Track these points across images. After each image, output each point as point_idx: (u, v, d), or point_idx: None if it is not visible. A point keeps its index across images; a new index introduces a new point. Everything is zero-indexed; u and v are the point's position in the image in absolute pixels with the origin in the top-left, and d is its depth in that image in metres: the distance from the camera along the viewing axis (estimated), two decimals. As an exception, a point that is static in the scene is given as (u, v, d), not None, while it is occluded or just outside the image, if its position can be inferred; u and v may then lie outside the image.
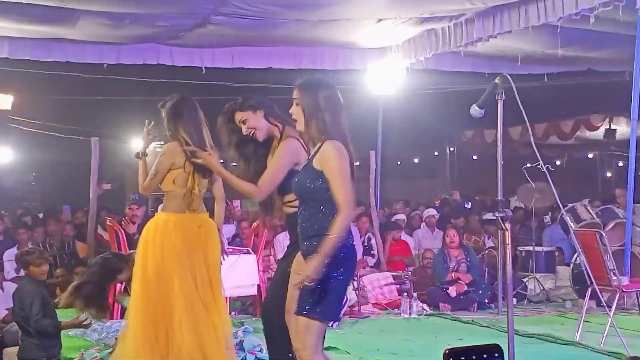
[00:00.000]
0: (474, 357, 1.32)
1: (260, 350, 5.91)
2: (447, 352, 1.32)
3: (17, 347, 6.72)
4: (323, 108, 3.89)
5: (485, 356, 1.33)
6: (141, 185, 5.16)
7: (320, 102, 3.89)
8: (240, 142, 4.39)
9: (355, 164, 4.10)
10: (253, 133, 4.16)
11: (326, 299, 3.84)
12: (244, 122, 4.19)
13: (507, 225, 4.53)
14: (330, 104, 3.90)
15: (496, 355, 1.33)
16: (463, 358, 1.32)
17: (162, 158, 5.00)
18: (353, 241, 4.01)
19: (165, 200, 5.15)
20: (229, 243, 8.29)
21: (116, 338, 6.10)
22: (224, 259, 5.36)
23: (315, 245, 3.81)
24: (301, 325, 3.86)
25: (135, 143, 15.58)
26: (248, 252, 8.30)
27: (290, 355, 4.22)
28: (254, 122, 4.20)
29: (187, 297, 4.95)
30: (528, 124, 5.27)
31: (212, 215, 5.50)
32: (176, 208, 5.01)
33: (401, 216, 11.82)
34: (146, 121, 5.14)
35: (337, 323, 7.55)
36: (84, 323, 6.62)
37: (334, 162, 3.79)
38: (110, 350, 6.12)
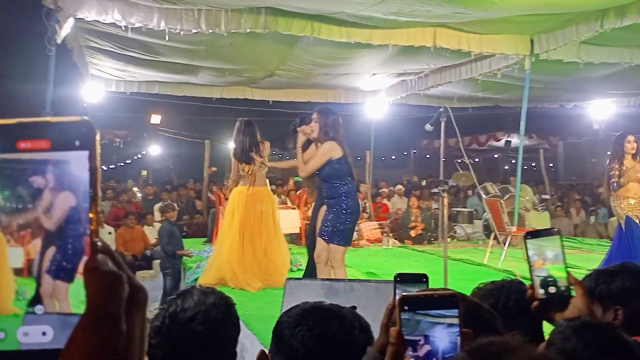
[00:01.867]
0: (410, 278, 1.40)
1: (300, 265, 7.34)
2: (396, 275, 1.40)
3: (159, 260, 9.23)
4: (329, 125, 5.19)
5: (415, 280, 1.39)
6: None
7: (328, 121, 5.21)
8: (296, 142, 5.58)
9: (354, 157, 5.78)
10: (311, 130, 5.35)
11: (344, 233, 5.17)
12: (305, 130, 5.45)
13: (445, 195, 5.65)
14: (334, 122, 5.23)
15: (423, 280, 1.38)
16: (403, 278, 1.37)
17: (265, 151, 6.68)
18: (359, 203, 5.45)
19: (253, 177, 6.62)
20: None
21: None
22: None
23: (332, 202, 5.19)
24: (332, 249, 5.13)
25: (230, 145, 18.62)
26: (294, 209, 10.69)
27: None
28: (307, 130, 5.42)
29: (257, 232, 6.54)
30: (459, 137, 6.43)
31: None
32: (243, 183, 6.62)
33: (383, 190, 14.25)
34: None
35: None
36: (189, 254, 8.58)
37: (321, 150, 5.14)
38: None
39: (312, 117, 5.35)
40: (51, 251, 0.52)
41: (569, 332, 1.24)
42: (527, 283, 1.43)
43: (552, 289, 1.37)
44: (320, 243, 5.23)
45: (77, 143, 0.50)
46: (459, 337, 1.01)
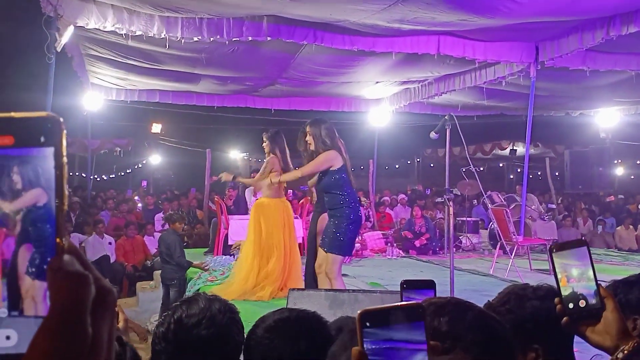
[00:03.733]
0: (417, 284, 1.40)
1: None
2: (403, 282, 1.39)
3: (160, 271, 8.63)
4: (324, 134, 5.18)
5: (422, 286, 1.38)
6: (254, 182, 7.05)
7: (322, 131, 5.19)
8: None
9: (357, 166, 6.54)
10: (308, 144, 5.32)
11: (344, 243, 5.10)
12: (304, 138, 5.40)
13: (451, 204, 5.69)
14: (327, 131, 5.19)
15: (431, 286, 1.40)
16: (410, 285, 1.37)
17: (267, 165, 6.51)
18: (360, 212, 5.31)
19: (267, 190, 6.58)
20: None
21: (224, 267, 8.00)
22: None
23: (333, 212, 5.18)
24: (330, 259, 5.03)
25: (232, 154, 18.36)
26: (297, 218, 9.22)
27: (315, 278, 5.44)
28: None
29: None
30: (465, 145, 6.16)
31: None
32: (273, 194, 6.58)
33: (387, 199, 14.29)
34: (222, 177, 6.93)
35: (349, 260, 8.97)
36: (205, 268, 8.28)
37: (319, 159, 5.16)
38: (220, 273, 7.85)
39: (306, 131, 5.32)
40: (29, 251, 0.49)
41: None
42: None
43: (582, 303, 1.31)
44: (320, 253, 5.23)
45: (42, 139, 0.49)
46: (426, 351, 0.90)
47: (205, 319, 1.77)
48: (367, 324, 0.89)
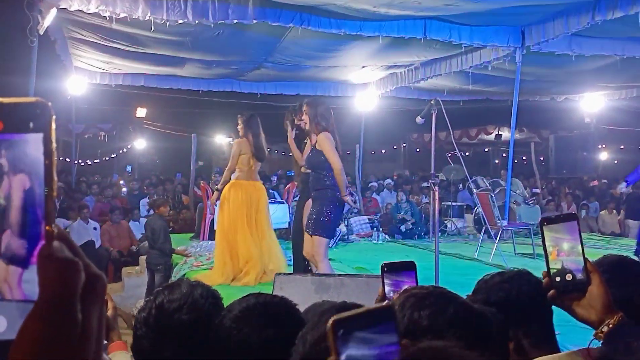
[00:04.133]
0: (398, 267, 1.45)
1: (290, 260, 6.98)
2: (383, 264, 1.45)
3: (145, 256, 8.68)
4: (320, 115, 5.18)
5: (403, 268, 1.44)
6: (229, 168, 6.76)
7: (318, 111, 5.19)
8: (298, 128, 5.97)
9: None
10: (304, 123, 5.41)
11: (327, 225, 5.11)
12: (301, 116, 5.51)
13: (436, 188, 5.60)
14: (324, 112, 5.22)
15: (412, 268, 1.45)
16: (391, 267, 1.43)
17: (235, 148, 6.63)
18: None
19: (237, 172, 6.62)
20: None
21: (210, 252, 7.90)
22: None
23: (316, 194, 5.12)
24: (315, 241, 5.09)
25: (218, 138, 18.40)
26: (283, 203, 10.55)
27: (306, 263, 5.57)
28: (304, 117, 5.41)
29: (247, 230, 6.48)
30: (450, 129, 6.14)
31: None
32: (244, 177, 6.61)
33: (374, 184, 14.40)
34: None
35: (335, 243, 9.43)
36: (188, 254, 8.37)
37: (327, 145, 5.08)
38: (206, 258, 7.88)
39: (303, 110, 5.33)
40: (6, 236, 0.49)
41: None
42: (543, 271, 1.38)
43: (568, 277, 1.32)
44: (306, 238, 5.22)
45: (31, 125, 0.49)
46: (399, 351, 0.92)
47: (186, 304, 1.75)
48: (341, 331, 0.86)
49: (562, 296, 1.33)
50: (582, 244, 1.33)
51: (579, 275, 1.32)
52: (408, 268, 1.49)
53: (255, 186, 6.69)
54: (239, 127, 6.65)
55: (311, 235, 5.11)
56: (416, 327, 1.19)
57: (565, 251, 1.33)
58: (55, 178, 0.50)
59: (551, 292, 1.32)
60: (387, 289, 1.49)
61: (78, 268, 0.49)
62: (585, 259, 1.32)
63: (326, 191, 5.12)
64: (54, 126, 0.50)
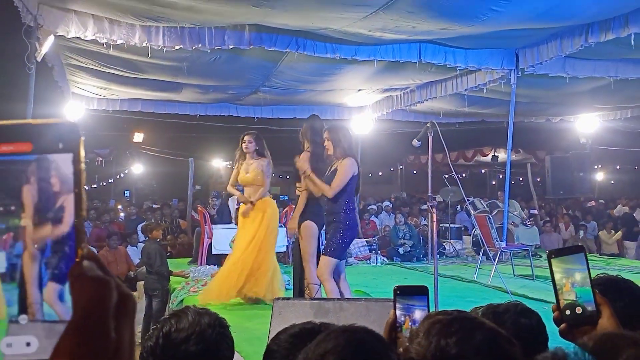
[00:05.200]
0: (411, 290, 1.48)
1: (288, 284, 7.23)
2: (396, 288, 1.46)
3: (143, 281, 8.54)
4: (343, 140, 5.20)
5: (416, 292, 1.48)
6: (266, 187, 6.79)
7: (341, 136, 5.22)
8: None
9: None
10: (327, 150, 5.31)
11: (337, 246, 5.15)
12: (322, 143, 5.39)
13: (434, 211, 5.58)
14: (346, 137, 5.27)
15: (425, 292, 1.48)
16: (404, 291, 1.46)
17: (269, 168, 6.71)
18: (356, 218, 5.69)
19: (264, 191, 6.70)
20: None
21: (211, 276, 7.76)
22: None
23: (330, 218, 5.19)
24: (323, 260, 5.12)
25: (215, 162, 18.49)
26: (281, 226, 9.42)
27: (301, 287, 5.86)
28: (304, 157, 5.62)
29: (253, 253, 6.51)
30: (447, 151, 6.28)
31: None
32: (268, 196, 6.75)
33: (372, 207, 14.35)
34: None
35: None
36: (186, 275, 8.46)
37: (345, 169, 5.11)
38: (202, 283, 7.74)
39: (324, 137, 5.30)
40: (37, 256, 0.49)
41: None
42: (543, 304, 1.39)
43: (578, 310, 1.32)
44: (321, 259, 5.29)
45: (60, 145, 0.50)
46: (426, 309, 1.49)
47: (194, 334, 1.73)
48: (398, 292, 1.46)
49: (573, 329, 1.33)
50: (590, 276, 1.33)
51: (589, 308, 1.32)
52: (420, 292, 1.50)
53: (265, 202, 6.78)
54: (249, 144, 6.77)
55: (323, 255, 5.21)
56: (444, 354, 1.18)
57: (576, 279, 1.33)
58: (84, 196, 0.50)
59: (562, 326, 1.33)
60: (398, 312, 1.49)
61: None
62: (594, 292, 1.32)
63: (339, 215, 5.14)
64: (82, 146, 0.50)
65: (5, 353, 0.49)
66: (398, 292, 1.49)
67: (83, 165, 0.50)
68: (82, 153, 0.50)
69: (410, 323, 1.46)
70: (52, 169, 0.50)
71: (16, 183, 0.50)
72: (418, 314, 1.47)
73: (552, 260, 1.34)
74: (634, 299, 1.72)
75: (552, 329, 1.52)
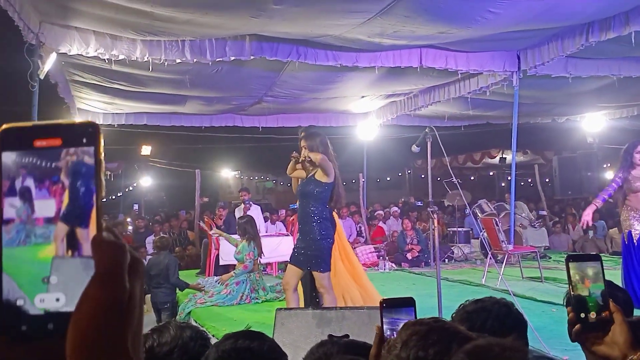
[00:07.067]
0: (397, 303, 1.49)
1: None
2: (381, 301, 1.47)
3: (149, 294, 8.27)
4: (319, 143, 5.22)
5: (402, 304, 1.48)
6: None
7: (316, 142, 5.24)
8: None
9: (348, 180, 6.22)
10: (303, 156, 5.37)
11: (320, 259, 5.17)
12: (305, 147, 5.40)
13: (435, 216, 5.70)
14: (322, 141, 5.27)
15: (411, 304, 1.48)
16: (390, 304, 1.47)
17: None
18: (329, 225, 5.23)
19: None
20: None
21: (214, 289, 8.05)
22: None
23: (302, 228, 5.26)
24: (316, 276, 5.25)
25: (224, 172, 18.61)
26: (287, 235, 10.58)
27: (314, 294, 5.66)
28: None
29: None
30: (445, 156, 6.04)
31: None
32: None
33: (379, 212, 14.36)
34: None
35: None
36: (201, 288, 8.32)
37: (325, 163, 5.14)
38: (209, 295, 7.89)
39: (301, 145, 5.29)
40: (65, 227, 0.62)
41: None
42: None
43: (592, 315, 1.37)
44: (316, 275, 5.22)
45: (84, 140, 0.62)
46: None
47: (177, 347, 1.76)
48: (384, 305, 1.47)
49: (586, 333, 1.37)
50: (605, 284, 1.38)
51: (602, 314, 1.36)
52: (407, 304, 1.51)
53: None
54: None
55: (310, 271, 5.16)
56: None
57: (592, 284, 1.38)
58: (103, 180, 0.62)
59: (577, 327, 1.36)
60: (385, 326, 1.50)
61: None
62: (608, 299, 1.37)
63: (311, 225, 5.12)
64: (102, 141, 0.62)
65: (38, 307, 0.60)
66: (384, 305, 1.49)
67: (102, 156, 0.62)
68: (102, 147, 0.62)
69: None
70: (78, 159, 0.63)
71: (50, 170, 0.63)
72: None
73: (570, 264, 1.38)
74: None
75: (562, 331, 1.52)
